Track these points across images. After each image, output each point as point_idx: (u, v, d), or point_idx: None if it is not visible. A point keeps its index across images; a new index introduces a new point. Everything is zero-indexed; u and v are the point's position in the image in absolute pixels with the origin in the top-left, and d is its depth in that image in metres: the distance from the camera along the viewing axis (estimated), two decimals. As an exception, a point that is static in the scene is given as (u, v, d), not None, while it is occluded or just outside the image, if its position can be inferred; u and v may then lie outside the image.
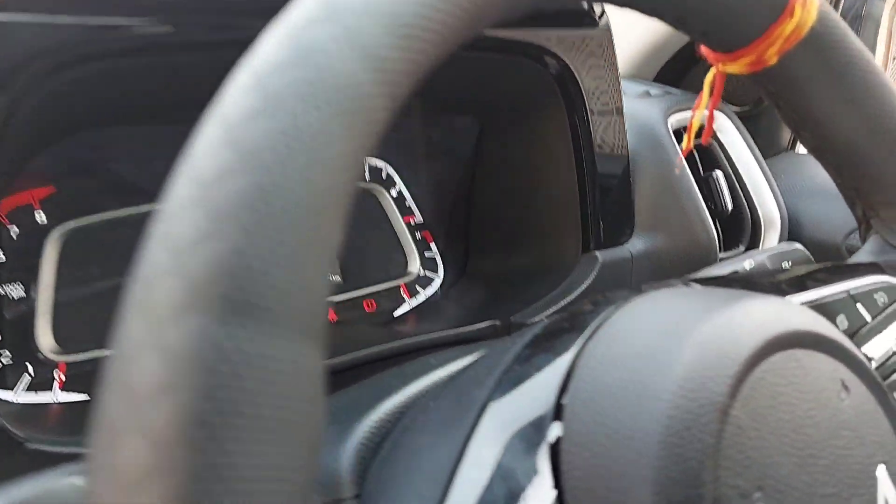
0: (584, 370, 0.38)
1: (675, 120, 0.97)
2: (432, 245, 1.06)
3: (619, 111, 0.87)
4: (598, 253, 0.89)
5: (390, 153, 1.01)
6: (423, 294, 1.03)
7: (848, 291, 0.51)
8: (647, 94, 1.04)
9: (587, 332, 0.40)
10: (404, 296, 1.02)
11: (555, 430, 0.36)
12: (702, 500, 0.31)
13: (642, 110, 0.96)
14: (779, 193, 1.00)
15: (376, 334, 0.92)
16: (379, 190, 1.00)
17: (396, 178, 1.03)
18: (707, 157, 1.00)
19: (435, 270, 1.05)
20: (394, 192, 1.02)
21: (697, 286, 0.46)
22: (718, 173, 0.95)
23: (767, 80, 0.51)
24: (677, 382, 0.36)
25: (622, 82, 1.10)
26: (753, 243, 0.98)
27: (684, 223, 0.90)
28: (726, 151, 0.99)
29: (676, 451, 0.32)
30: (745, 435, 0.35)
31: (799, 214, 1.04)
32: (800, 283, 0.51)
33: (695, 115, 0.54)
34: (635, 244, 0.91)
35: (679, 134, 0.98)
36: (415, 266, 1.03)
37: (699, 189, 0.94)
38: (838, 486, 0.36)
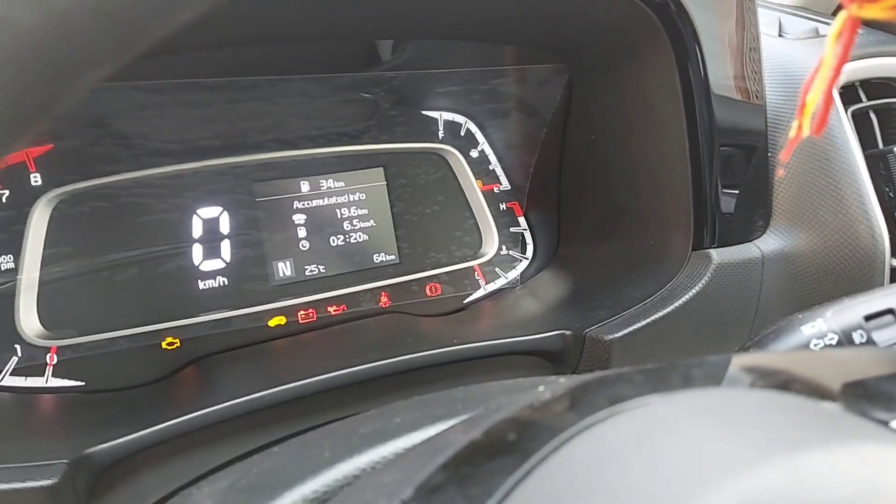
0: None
1: (849, 70, 0.71)
2: (520, 219, 0.88)
3: (755, 57, 0.64)
4: (713, 251, 0.67)
5: (471, 106, 0.84)
6: (503, 278, 0.86)
7: None
8: (816, 33, 0.78)
9: (524, 469, 0.24)
10: (479, 280, 0.85)
11: None
12: None
13: (797, 57, 0.70)
14: None
15: (429, 331, 0.77)
16: (450, 151, 0.82)
17: (479, 136, 0.85)
18: (890, 124, 0.72)
19: (521, 250, 0.88)
20: (474, 153, 0.85)
21: (740, 394, 0.27)
22: (898, 149, 0.68)
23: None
24: None
25: (784, 16, 0.84)
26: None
27: (840, 216, 0.66)
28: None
29: None
30: None
31: None
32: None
33: (812, 84, 0.32)
34: (769, 242, 0.68)
35: (852, 92, 0.72)
36: (492, 245, 0.85)
37: (871, 169, 0.69)
38: None
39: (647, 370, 0.32)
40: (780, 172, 0.64)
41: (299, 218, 0.76)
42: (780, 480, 0.21)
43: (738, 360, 0.33)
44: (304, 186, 0.76)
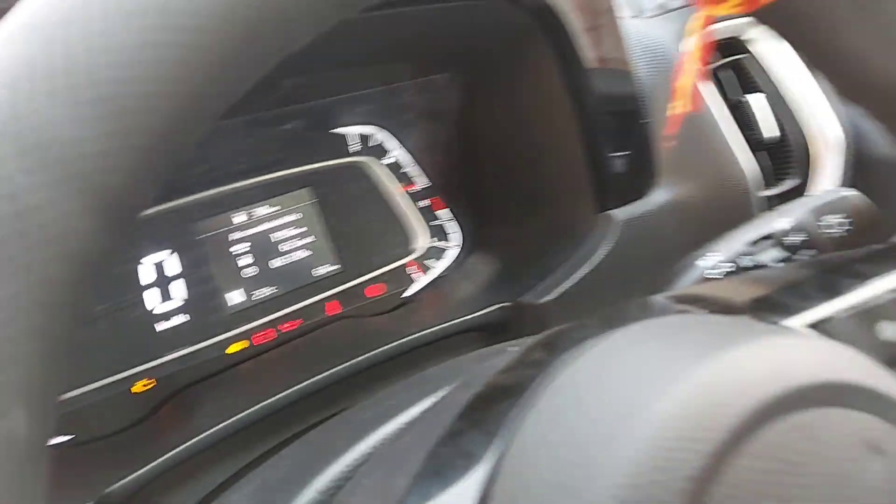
0: (517, 456, 0.29)
1: (705, 34, 0.81)
2: (441, 213, 0.96)
3: (612, 30, 0.73)
4: (615, 212, 0.76)
5: (382, 118, 0.91)
6: (437, 268, 0.94)
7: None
8: (663, 8, 0.88)
9: (525, 402, 0.30)
10: (416, 273, 0.92)
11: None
12: None
13: (652, 35, 0.80)
14: (842, 110, 0.83)
15: (380, 329, 0.83)
16: (364, 162, 0.89)
17: (393, 143, 0.92)
18: (745, 78, 0.84)
19: (447, 239, 0.95)
20: (389, 160, 0.91)
21: (677, 318, 0.35)
22: (752, 98, 0.79)
23: (770, 18, 0.38)
24: (627, 468, 0.26)
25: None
26: (808, 172, 0.83)
27: (713, 163, 0.76)
28: (767, 69, 0.83)
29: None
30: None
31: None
32: (826, 285, 0.38)
33: (681, 74, 0.41)
34: (660, 196, 0.78)
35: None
36: (422, 239, 0.93)
37: (738, 117, 0.80)
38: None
39: (599, 314, 0.39)
40: (667, 145, 0.74)
41: (243, 247, 0.81)
42: (710, 373, 0.29)
43: (669, 294, 0.40)
44: (242, 217, 0.82)
